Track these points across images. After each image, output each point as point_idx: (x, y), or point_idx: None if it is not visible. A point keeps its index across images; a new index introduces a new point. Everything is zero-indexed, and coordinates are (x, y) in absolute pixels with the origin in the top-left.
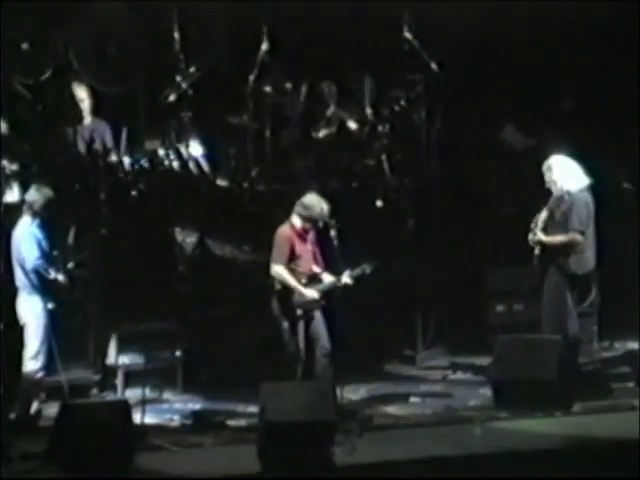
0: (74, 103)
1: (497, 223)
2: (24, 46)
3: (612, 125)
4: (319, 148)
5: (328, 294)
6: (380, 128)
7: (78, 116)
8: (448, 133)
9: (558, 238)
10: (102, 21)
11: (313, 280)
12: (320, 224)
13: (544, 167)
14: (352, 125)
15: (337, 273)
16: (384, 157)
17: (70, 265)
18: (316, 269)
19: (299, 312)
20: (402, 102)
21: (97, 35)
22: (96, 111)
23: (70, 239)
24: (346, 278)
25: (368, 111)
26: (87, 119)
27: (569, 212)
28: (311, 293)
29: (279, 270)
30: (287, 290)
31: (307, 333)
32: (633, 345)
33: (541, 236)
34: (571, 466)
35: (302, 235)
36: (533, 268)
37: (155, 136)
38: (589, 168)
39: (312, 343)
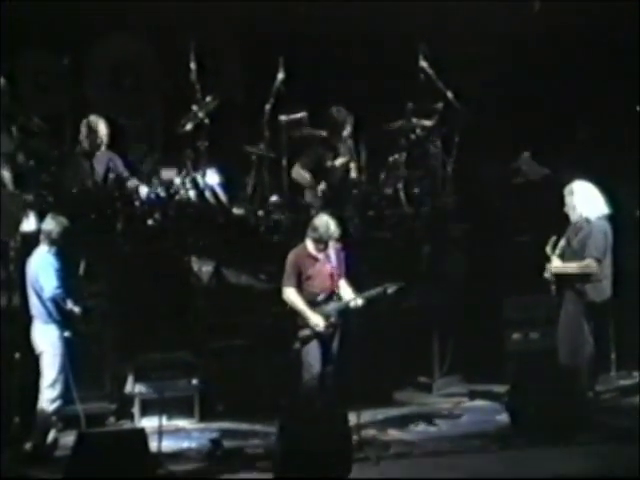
0: (91, 135)
1: (514, 251)
2: (41, 79)
3: (628, 153)
4: (334, 177)
5: (344, 318)
6: (397, 157)
7: (94, 147)
8: (464, 162)
9: (573, 265)
10: (118, 52)
11: (327, 300)
12: (331, 244)
13: (566, 191)
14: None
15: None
16: (400, 186)
17: (84, 295)
18: (333, 288)
19: (307, 332)
20: (418, 131)
21: (114, 66)
22: (111, 144)
23: (81, 269)
24: (358, 299)
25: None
26: (101, 149)
27: (586, 239)
28: (316, 320)
29: (289, 293)
30: (296, 311)
31: (323, 355)
32: None
33: (557, 263)
34: None
35: (314, 256)
36: (550, 296)
37: (172, 165)
38: (606, 197)
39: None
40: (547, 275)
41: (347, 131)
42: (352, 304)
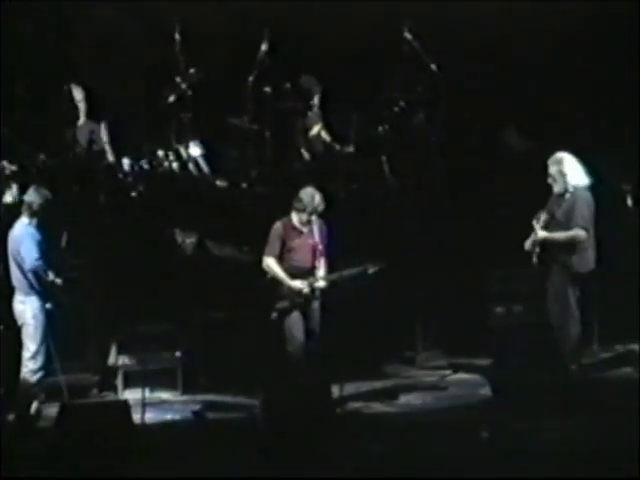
0: (72, 105)
1: (497, 224)
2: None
3: (611, 126)
4: (315, 147)
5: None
6: (380, 129)
7: (75, 118)
8: (447, 134)
9: (561, 235)
10: (103, 23)
11: (307, 275)
12: (314, 217)
13: (551, 160)
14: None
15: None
16: (384, 158)
17: (66, 267)
18: (315, 264)
19: (285, 303)
20: (401, 103)
21: (97, 36)
22: (90, 114)
23: (63, 241)
24: (321, 282)
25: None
26: (82, 120)
27: (572, 210)
28: (298, 285)
29: (269, 262)
30: (276, 282)
31: (307, 327)
32: (634, 347)
33: (543, 234)
34: (571, 468)
35: (298, 229)
36: (533, 269)
37: (155, 137)
38: (589, 169)
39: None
40: (528, 246)
41: (316, 100)
42: (321, 284)
